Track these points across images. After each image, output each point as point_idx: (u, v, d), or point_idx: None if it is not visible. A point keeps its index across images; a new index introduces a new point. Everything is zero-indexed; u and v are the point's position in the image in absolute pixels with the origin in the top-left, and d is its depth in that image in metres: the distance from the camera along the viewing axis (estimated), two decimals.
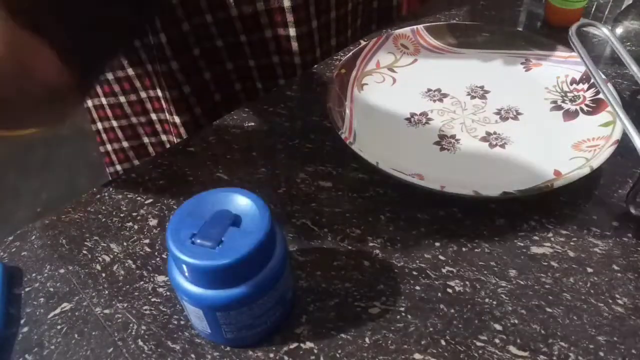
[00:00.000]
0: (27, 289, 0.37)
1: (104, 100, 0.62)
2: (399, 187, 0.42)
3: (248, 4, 0.53)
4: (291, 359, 0.32)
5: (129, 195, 0.43)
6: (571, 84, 0.49)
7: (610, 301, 0.34)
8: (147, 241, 0.39)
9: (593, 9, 0.64)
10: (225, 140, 0.47)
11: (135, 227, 0.40)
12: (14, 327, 0.35)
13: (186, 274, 0.29)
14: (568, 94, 0.49)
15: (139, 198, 0.43)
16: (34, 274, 0.38)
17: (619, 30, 0.57)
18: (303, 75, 0.55)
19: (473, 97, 0.50)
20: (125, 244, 0.39)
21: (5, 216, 1.59)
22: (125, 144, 0.65)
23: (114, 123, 0.63)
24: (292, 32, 0.54)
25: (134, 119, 0.63)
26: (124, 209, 0.42)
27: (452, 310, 0.34)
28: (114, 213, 0.42)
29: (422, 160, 0.44)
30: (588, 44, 0.57)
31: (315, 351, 0.32)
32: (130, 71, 0.59)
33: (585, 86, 0.48)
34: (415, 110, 0.49)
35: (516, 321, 0.33)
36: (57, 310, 0.35)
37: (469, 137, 0.46)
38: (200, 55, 0.56)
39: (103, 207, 0.42)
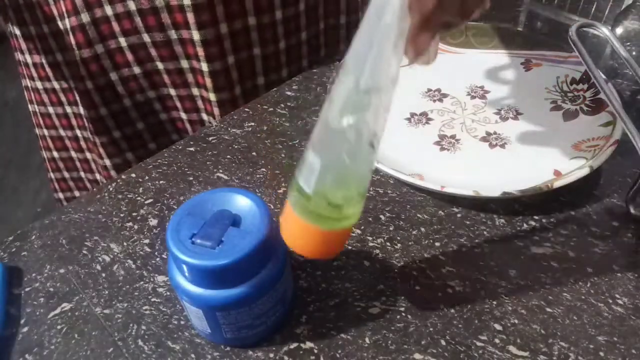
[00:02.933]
0: (27, 289, 0.37)
1: (46, 132, 0.62)
2: (399, 187, 0.42)
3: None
4: (291, 359, 0.32)
5: (129, 195, 0.43)
6: (571, 84, 0.49)
7: (610, 301, 0.34)
8: (147, 241, 0.39)
9: (593, 9, 0.64)
10: (225, 140, 0.47)
11: (135, 227, 0.40)
12: (14, 327, 0.35)
13: (186, 274, 0.29)
14: (568, 94, 0.49)
15: (139, 198, 0.43)
16: (34, 274, 0.38)
17: (619, 30, 0.57)
18: (303, 75, 0.55)
19: (473, 97, 0.50)
20: (125, 244, 0.39)
21: (5, 216, 1.59)
22: (66, 175, 0.65)
23: (55, 154, 0.63)
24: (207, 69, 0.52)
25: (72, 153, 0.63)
26: (124, 209, 0.42)
27: (452, 310, 0.34)
28: (114, 213, 0.42)
29: (422, 160, 0.44)
30: (588, 44, 0.57)
31: (315, 351, 0.32)
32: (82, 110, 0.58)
33: (585, 86, 0.48)
34: (415, 110, 0.49)
35: (516, 321, 0.33)
36: (57, 310, 0.35)
37: (469, 137, 0.46)
38: (132, 106, 0.55)
39: (103, 207, 0.42)
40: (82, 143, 0.61)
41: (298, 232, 0.29)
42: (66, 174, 0.65)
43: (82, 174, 0.64)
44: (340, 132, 0.26)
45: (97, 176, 0.63)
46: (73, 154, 0.62)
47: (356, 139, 0.26)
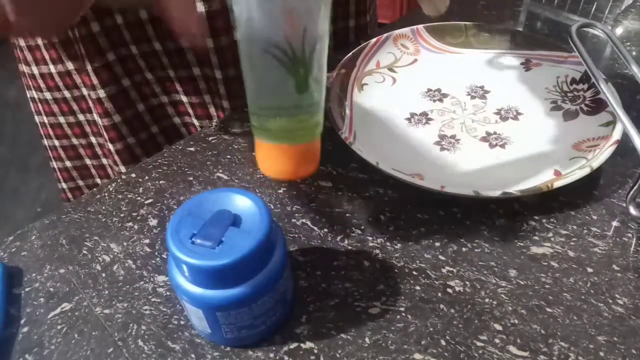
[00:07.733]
0: (27, 289, 0.37)
1: (56, 142, 0.61)
2: (399, 187, 0.42)
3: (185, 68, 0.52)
4: (291, 359, 0.32)
5: (129, 195, 0.43)
6: (571, 84, 0.49)
7: (610, 301, 0.34)
8: (147, 241, 0.39)
9: (593, 9, 0.64)
10: (225, 140, 0.47)
11: (135, 227, 0.40)
12: (14, 327, 0.35)
13: (186, 274, 0.29)
14: (568, 94, 0.49)
15: (139, 198, 0.43)
16: (34, 274, 0.38)
17: (619, 30, 0.57)
18: None
19: (473, 97, 0.50)
20: (125, 244, 0.39)
21: (5, 216, 1.60)
22: (68, 164, 0.64)
23: (56, 142, 0.63)
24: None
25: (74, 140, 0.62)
26: (124, 209, 0.42)
27: (452, 310, 0.34)
28: (114, 213, 0.42)
29: (422, 160, 0.44)
30: (588, 44, 0.57)
31: (315, 351, 0.32)
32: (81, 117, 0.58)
33: (585, 86, 0.48)
34: (415, 110, 0.49)
35: (516, 321, 0.33)
36: (57, 310, 0.35)
37: (469, 137, 0.46)
38: (145, 110, 0.55)
39: (103, 207, 0.42)
40: (98, 150, 0.60)
41: (264, 155, 0.33)
42: (80, 182, 0.64)
43: (98, 180, 0.64)
44: (241, 49, 0.30)
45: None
46: (88, 161, 0.62)
47: (246, 51, 0.30)
